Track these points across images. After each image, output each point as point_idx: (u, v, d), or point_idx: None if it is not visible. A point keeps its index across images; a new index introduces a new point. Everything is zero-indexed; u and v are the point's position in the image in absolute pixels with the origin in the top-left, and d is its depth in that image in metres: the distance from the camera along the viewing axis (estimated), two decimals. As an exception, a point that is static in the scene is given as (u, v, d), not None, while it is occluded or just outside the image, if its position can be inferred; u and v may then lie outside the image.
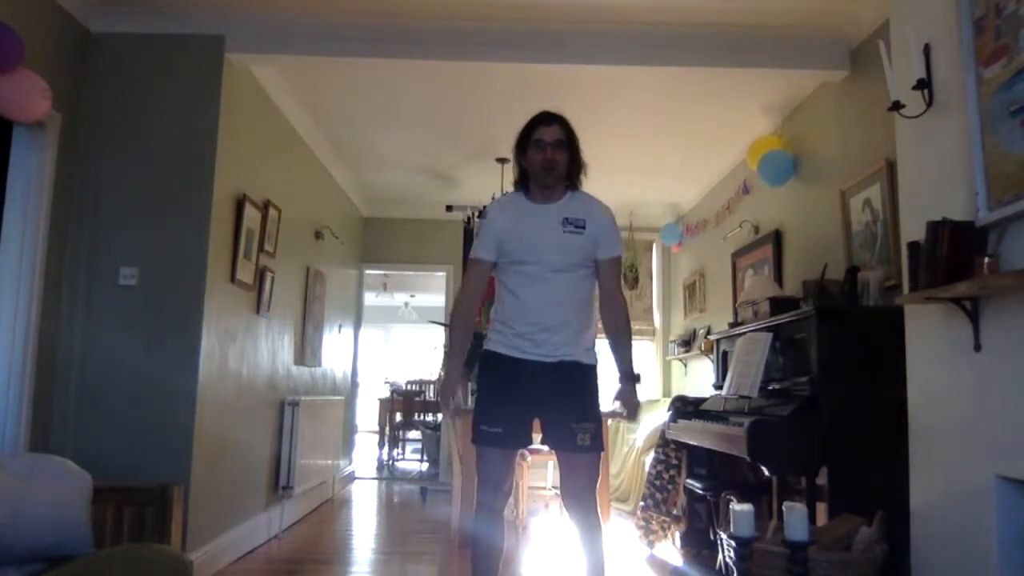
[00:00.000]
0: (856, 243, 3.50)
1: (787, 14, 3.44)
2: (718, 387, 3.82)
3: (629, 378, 2.44)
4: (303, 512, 5.02)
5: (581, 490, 2.36)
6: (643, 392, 6.97)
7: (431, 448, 8.05)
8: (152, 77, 3.51)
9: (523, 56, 3.62)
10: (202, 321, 3.35)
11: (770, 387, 3.13)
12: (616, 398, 2.45)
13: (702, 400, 3.82)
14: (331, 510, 5.49)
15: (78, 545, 2.15)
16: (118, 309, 3.34)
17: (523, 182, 2.47)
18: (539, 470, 5.51)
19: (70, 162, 3.28)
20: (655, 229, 6.89)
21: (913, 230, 2.35)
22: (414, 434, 9.27)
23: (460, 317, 2.50)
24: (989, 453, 2.00)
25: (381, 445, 8.90)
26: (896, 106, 2.42)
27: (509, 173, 2.58)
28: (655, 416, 5.70)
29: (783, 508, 2.30)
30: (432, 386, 8.81)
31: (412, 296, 12.32)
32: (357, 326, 7.03)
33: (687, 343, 6.12)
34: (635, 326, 7.10)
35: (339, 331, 6.19)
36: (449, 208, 6.05)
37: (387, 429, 8.91)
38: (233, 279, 3.68)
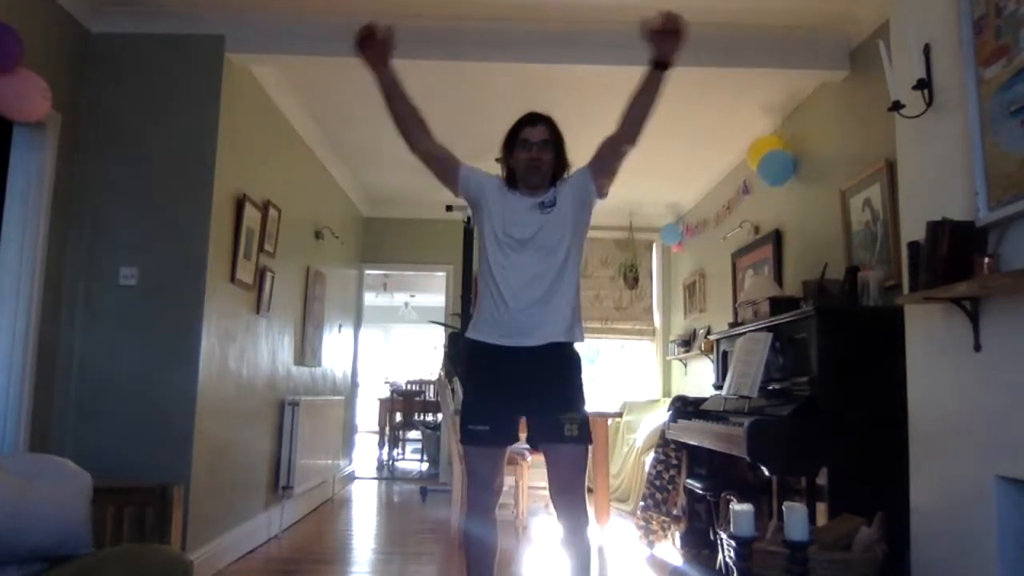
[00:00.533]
0: (856, 243, 3.50)
1: (787, 14, 3.44)
2: (718, 387, 3.82)
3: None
4: (303, 512, 5.02)
5: (569, 484, 2.33)
6: (638, 393, 7.03)
7: (431, 448, 8.05)
8: (152, 77, 3.51)
9: (523, 56, 3.62)
10: (202, 321, 3.35)
11: (770, 387, 3.13)
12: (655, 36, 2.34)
13: (702, 400, 3.81)
14: (331, 510, 5.49)
15: (78, 545, 2.15)
16: (118, 309, 3.34)
17: (511, 181, 2.49)
18: (539, 470, 5.51)
19: (70, 162, 3.28)
20: (655, 229, 6.89)
21: (913, 230, 2.35)
22: (414, 434, 9.27)
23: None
24: (989, 453, 2.00)
25: (381, 445, 8.90)
26: (896, 106, 2.42)
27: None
28: (655, 416, 5.70)
29: (783, 508, 2.30)
30: (432, 386, 8.81)
31: (412, 296, 12.32)
32: (357, 326, 7.03)
33: (687, 343, 6.12)
34: (635, 326, 7.19)
35: (339, 331, 6.19)
36: (449, 208, 6.04)
37: (387, 429, 8.91)
38: (233, 279, 3.68)
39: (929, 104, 2.34)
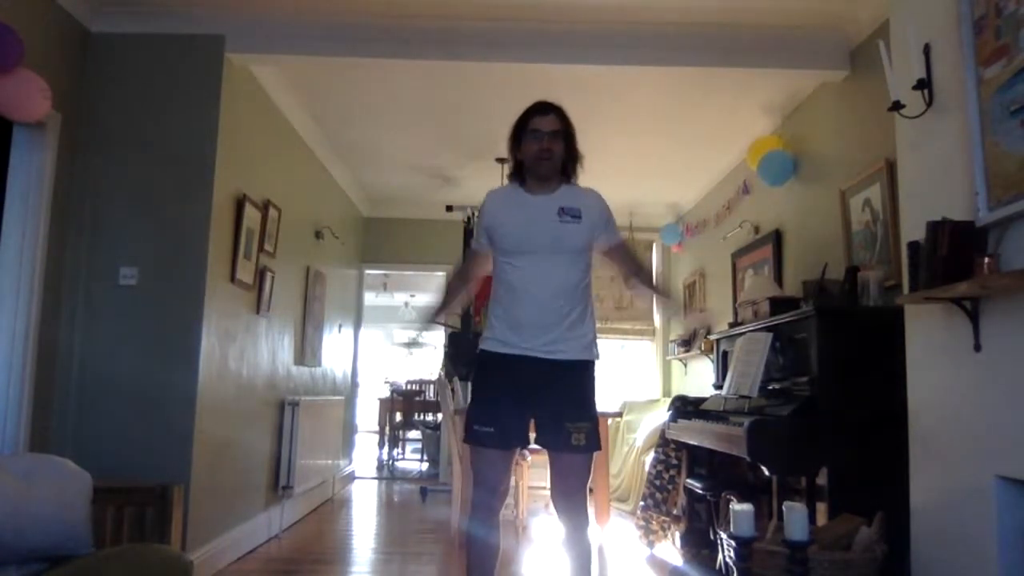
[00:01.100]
0: (856, 243, 3.50)
1: (787, 14, 3.44)
2: (718, 387, 3.82)
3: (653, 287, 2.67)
4: (303, 512, 5.02)
5: (572, 490, 2.32)
6: (638, 393, 7.02)
7: (431, 448, 8.06)
8: (152, 77, 3.51)
9: (523, 56, 3.62)
10: (202, 321, 3.35)
11: (770, 387, 3.13)
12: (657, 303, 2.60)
13: (702, 400, 3.81)
14: (331, 510, 5.49)
15: (78, 545, 2.15)
16: (118, 309, 3.34)
17: (519, 173, 2.42)
18: (539, 470, 5.51)
19: (70, 162, 3.28)
20: (655, 229, 6.89)
21: (913, 230, 2.35)
22: (414, 434, 9.27)
23: (456, 270, 2.70)
24: (989, 453, 2.00)
25: (381, 445, 8.91)
26: (896, 106, 2.42)
27: (508, 173, 2.57)
28: (655, 416, 5.70)
29: (783, 508, 2.30)
30: (432, 386, 8.81)
31: (412, 296, 12.32)
32: (357, 326, 7.03)
33: (687, 343, 6.12)
34: (635, 326, 7.18)
35: (339, 331, 6.19)
36: (449, 208, 6.06)
37: (387, 429, 8.92)
38: (233, 279, 3.68)
39: (929, 104, 2.34)
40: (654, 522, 4.01)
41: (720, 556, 3.10)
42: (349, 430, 6.82)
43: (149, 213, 3.41)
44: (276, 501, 4.43)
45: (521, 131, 2.36)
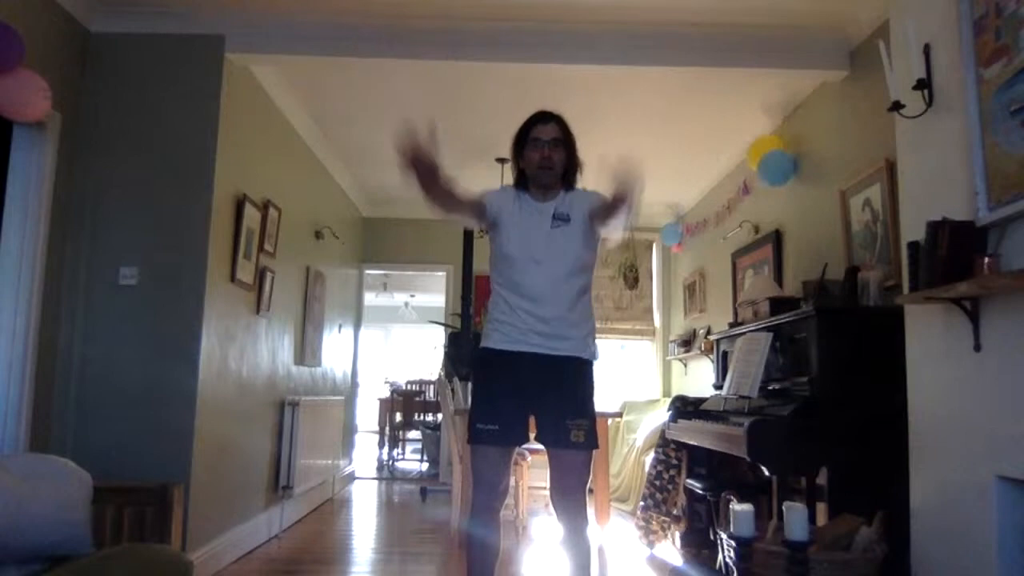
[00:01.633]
0: (856, 243, 3.50)
1: (787, 14, 3.44)
2: (718, 387, 3.82)
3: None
4: (303, 512, 5.02)
5: (571, 489, 2.33)
6: (638, 393, 7.02)
7: (431, 448, 8.05)
8: (152, 77, 3.51)
9: (523, 56, 3.62)
10: (202, 321, 3.35)
11: (770, 387, 3.13)
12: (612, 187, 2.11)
13: (702, 400, 3.81)
14: (331, 510, 5.49)
15: (78, 545, 2.15)
16: (118, 309, 3.34)
17: (521, 182, 2.45)
18: (539, 470, 5.51)
19: (70, 162, 3.28)
20: (655, 229, 6.89)
21: (913, 230, 2.36)
22: (414, 434, 9.26)
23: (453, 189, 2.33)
24: (989, 453, 2.00)
25: (381, 445, 8.90)
26: (896, 106, 2.42)
27: (509, 173, 2.57)
28: (655, 416, 5.70)
29: (783, 508, 2.30)
30: (432, 386, 8.81)
31: (412, 296, 12.33)
32: (357, 326, 7.03)
33: (687, 343, 6.12)
34: (635, 326, 7.18)
35: (339, 331, 6.19)
36: (449, 208, 6.05)
37: (387, 429, 8.91)
38: (233, 279, 3.68)
39: (929, 104, 2.34)
40: (654, 522, 4.01)
41: (720, 556, 3.10)
42: (349, 430, 6.82)
43: (149, 213, 3.41)
44: (276, 501, 4.43)
45: (523, 140, 2.39)
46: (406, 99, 4.45)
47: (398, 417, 8.96)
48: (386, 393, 9.44)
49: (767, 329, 3.22)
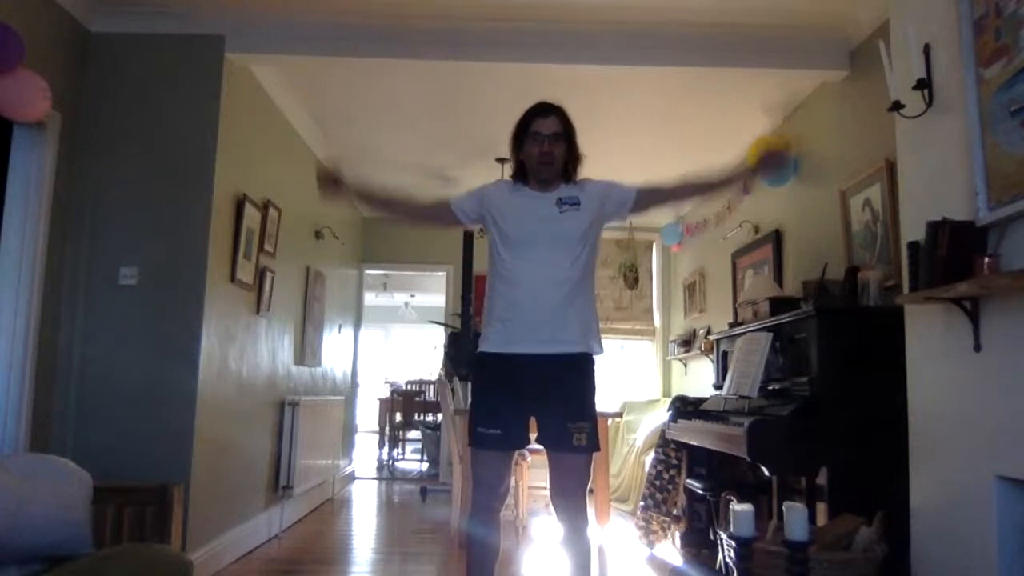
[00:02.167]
0: (856, 243, 3.50)
1: (787, 14, 3.44)
2: (718, 387, 3.82)
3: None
4: (303, 512, 5.02)
5: (572, 490, 2.31)
6: (638, 393, 7.02)
7: (431, 448, 8.05)
8: (152, 77, 3.51)
9: (523, 56, 3.62)
10: (202, 321, 3.35)
11: (770, 387, 3.13)
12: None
13: (702, 400, 3.81)
14: (331, 510, 5.49)
15: (78, 545, 2.15)
16: (118, 309, 3.34)
17: (520, 175, 2.42)
18: (539, 470, 5.51)
19: (70, 162, 3.28)
20: (655, 229, 6.88)
21: (913, 230, 2.35)
22: (414, 434, 9.26)
23: (418, 201, 2.60)
24: (989, 453, 2.00)
25: (381, 445, 8.90)
26: (896, 106, 2.42)
27: (508, 173, 2.57)
28: (655, 416, 5.71)
29: (783, 508, 2.30)
30: (432, 386, 8.81)
31: (412, 296, 12.33)
32: (357, 326, 7.03)
33: (687, 343, 6.12)
34: (635, 326, 7.19)
35: (339, 331, 6.19)
36: (449, 208, 6.05)
37: (387, 429, 8.91)
38: (233, 279, 3.68)
39: (929, 104, 2.34)
40: (654, 522, 4.01)
41: (720, 556, 3.10)
42: (349, 430, 6.82)
43: (149, 213, 3.41)
44: (276, 501, 4.43)
45: (523, 133, 2.36)
46: (406, 99, 4.45)
47: (398, 417, 8.96)
48: (386, 393, 9.44)
49: (767, 329, 3.22)
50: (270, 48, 3.62)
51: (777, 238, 4.52)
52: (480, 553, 2.32)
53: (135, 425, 3.24)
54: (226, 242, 3.62)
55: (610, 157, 5.20)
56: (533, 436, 2.37)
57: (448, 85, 4.23)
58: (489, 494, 2.32)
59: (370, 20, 3.56)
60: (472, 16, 3.51)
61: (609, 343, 7.32)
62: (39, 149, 3.06)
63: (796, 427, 2.72)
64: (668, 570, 3.73)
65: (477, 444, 2.30)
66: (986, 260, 1.94)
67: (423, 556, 4.17)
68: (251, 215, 3.85)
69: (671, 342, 6.70)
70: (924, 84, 2.33)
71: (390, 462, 8.58)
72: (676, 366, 6.73)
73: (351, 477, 6.95)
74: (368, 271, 7.41)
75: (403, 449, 9.32)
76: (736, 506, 2.41)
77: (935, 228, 2.14)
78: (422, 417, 8.92)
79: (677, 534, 3.92)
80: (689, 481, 3.75)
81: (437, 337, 7.96)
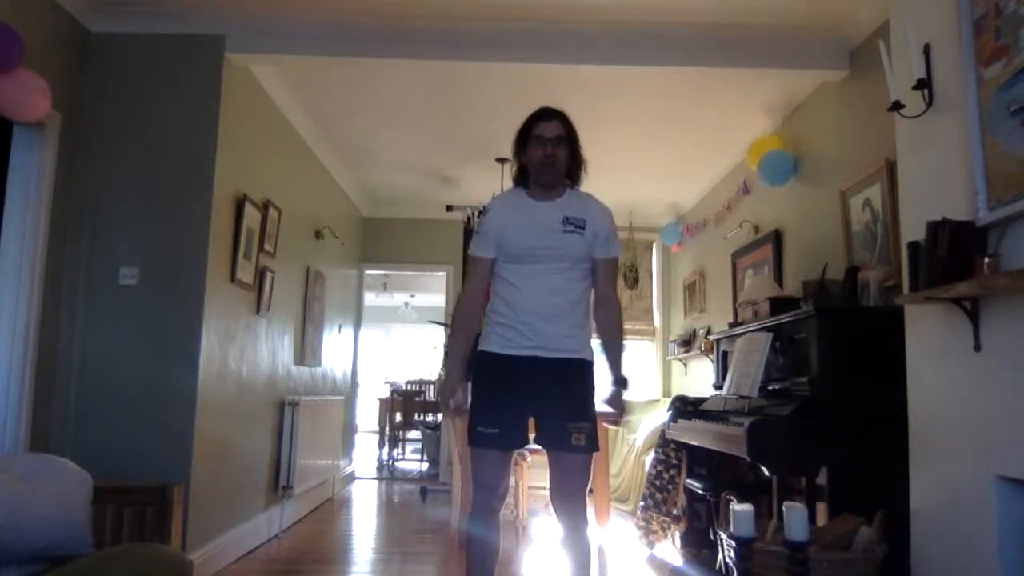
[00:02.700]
0: (856, 243, 3.50)
1: (787, 14, 3.44)
2: (718, 387, 3.82)
3: (619, 382, 2.43)
4: (303, 512, 5.02)
5: (572, 491, 2.32)
6: (637, 393, 7.02)
7: (431, 448, 8.05)
8: (152, 77, 3.51)
9: (523, 56, 3.62)
10: (202, 321, 3.35)
11: (770, 387, 3.13)
12: (605, 401, 2.43)
13: (702, 400, 3.81)
14: (331, 510, 5.49)
15: (78, 545, 2.15)
16: (118, 309, 3.34)
17: (523, 178, 2.44)
18: (539, 470, 5.51)
19: (70, 162, 3.28)
20: (655, 229, 6.89)
21: (913, 230, 2.35)
22: (414, 434, 9.27)
23: (461, 318, 2.46)
24: (989, 453, 2.00)
25: (381, 445, 8.90)
26: (896, 106, 2.42)
27: (509, 173, 2.57)
28: (655, 416, 5.70)
29: (783, 508, 2.30)
30: (432, 386, 8.81)
31: (412, 296, 12.33)
32: (357, 326, 7.03)
33: (687, 343, 6.12)
34: (635, 326, 7.18)
35: (339, 331, 6.19)
36: (449, 208, 6.05)
37: (387, 429, 8.91)
38: (233, 279, 3.68)
39: (929, 104, 2.34)
40: (654, 522, 4.01)
41: (720, 556, 3.10)
42: (349, 430, 6.82)
43: (149, 213, 3.41)
44: (276, 501, 4.43)
45: (525, 137, 2.37)
46: (406, 99, 4.45)
47: (398, 417, 8.96)
48: (386, 393, 9.44)
49: (767, 329, 3.22)
50: (270, 48, 3.62)
51: (777, 238, 4.52)
52: (480, 553, 2.33)
53: (135, 425, 3.24)
54: (226, 242, 3.62)
55: (611, 157, 5.21)
56: (532, 436, 2.38)
57: (448, 85, 4.23)
58: (489, 494, 2.33)
59: (370, 20, 3.56)
60: (472, 16, 3.51)
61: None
62: (39, 149, 3.06)
63: (796, 427, 2.72)
64: (668, 570, 3.73)
65: (476, 443, 2.31)
66: (986, 260, 1.94)
67: (423, 556, 4.17)
68: (251, 215, 3.85)
69: (671, 342, 6.70)
70: (924, 84, 2.33)
71: (390, 462, 8.59)
72: (676, 366, 6.73)
73: (351, 477, 6.95)
74: (368, 271, 7.41)
75: (403, 449, 9.32)
76: (736, 506, 2.41)
77: (935, 228, 2.14)
78: (422, 417, 8.92)
79: (677, 534, 3.92)
80: (689, 481, 3.75)
81: (437, 337, 7.96)
